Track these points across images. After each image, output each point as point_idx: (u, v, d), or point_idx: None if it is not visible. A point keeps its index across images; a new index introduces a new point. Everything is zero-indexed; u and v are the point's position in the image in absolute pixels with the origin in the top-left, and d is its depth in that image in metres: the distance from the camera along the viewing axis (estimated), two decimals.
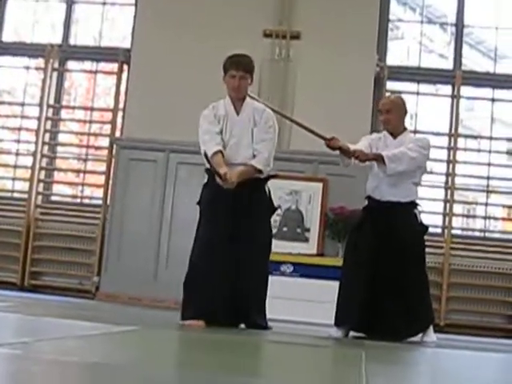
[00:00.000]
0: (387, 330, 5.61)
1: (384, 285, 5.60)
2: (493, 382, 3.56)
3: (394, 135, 5.88)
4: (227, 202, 5.39)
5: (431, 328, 5.78)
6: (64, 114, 9.94)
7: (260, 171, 5.48)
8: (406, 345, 5.42)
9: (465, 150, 9.60)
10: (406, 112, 5.98)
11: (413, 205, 5.83)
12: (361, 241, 5.78)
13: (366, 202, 5.95)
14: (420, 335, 5.72)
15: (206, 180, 5.63)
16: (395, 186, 5.72)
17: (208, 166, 5.44)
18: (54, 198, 9.70)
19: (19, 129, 9.79)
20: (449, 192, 8.91)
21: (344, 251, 6.11)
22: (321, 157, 8.19)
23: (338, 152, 5.73)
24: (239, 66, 5.56)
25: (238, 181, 5.33)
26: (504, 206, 10.37)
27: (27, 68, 10.10)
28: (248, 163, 5.45)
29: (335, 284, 5.84)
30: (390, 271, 5.61)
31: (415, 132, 8.99)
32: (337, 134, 5.78)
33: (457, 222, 9.24)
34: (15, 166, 9.80)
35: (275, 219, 5.85)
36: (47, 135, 9.46)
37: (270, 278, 5.66)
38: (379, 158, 5.61)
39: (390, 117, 5.85)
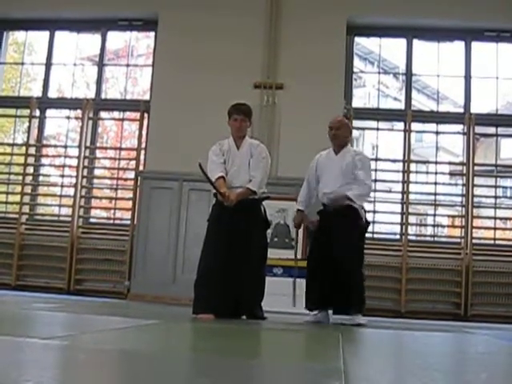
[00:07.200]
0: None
1: (330, 272, 5.54)
2: (442, 354, 3.57)
3: (337, 151, 5.82)
4: (230, 220, 5.39)
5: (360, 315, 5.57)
6: (98, 153, 9.93)
7: (254, 192, 5.51)
8: (373, 329, 5.40)
9: (416, 172, 9.60)
10: (350, 132, 5.99)
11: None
12: (316, 239, 5.83)
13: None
14: (352, 317, 5.51)
15: (214, 202, 5.66)
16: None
17: (214, 190, 5.47)
18: (92, 220, 9.68)
19: (63, 166, 9.79)
20: (404, 206, 8.91)
21: None
22: (302, 181, 8.20)
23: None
24: (240, 111, 5.61)
25: (236, 199, 5.37)
26: (448, 216, 10.45)
27: (68, 118, 10.11)
28: (244, 186, 5.49)
29: None
30: (335, 261, 5.50)
31: (376, 159, 9.04)
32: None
33: (411, 229, 9.25)
34: (61, 196, 9.77)
35: (268, 232, 5.85)
36: (85, 170, 9.45)
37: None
38: (346, 199, 5.59)
39: (338, 132, 5.80)
